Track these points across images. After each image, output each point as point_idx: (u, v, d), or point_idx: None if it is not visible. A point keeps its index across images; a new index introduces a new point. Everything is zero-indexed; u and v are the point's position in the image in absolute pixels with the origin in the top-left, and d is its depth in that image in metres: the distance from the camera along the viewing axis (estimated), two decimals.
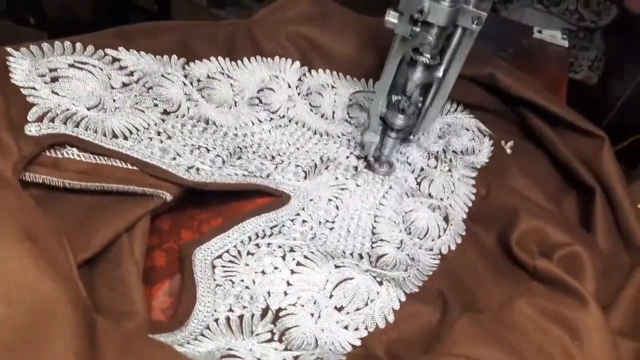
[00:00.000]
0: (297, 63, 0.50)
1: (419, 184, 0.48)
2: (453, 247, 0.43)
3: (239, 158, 0.43)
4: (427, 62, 0.38)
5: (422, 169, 0.48)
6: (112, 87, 0.40)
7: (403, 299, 0.37)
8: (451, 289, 0.38)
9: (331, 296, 0.35)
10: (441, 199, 0.46)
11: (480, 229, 0.44)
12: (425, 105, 0.43)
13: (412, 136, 0.47)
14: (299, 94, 0.49)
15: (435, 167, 0.49)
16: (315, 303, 0.35)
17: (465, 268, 0.41)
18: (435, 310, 0.36)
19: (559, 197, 0.47)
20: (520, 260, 0.39)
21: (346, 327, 0.34)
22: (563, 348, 0.32)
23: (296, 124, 0.48)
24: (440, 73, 0.40)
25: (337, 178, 0.45)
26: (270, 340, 0.32)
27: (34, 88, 0.35)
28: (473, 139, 0.51)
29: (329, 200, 0.43)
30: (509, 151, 0.52)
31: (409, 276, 0.39)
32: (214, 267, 0.35)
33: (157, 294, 0.34)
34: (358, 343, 0.34)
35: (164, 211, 0.37)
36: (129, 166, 0.36)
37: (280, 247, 0.37)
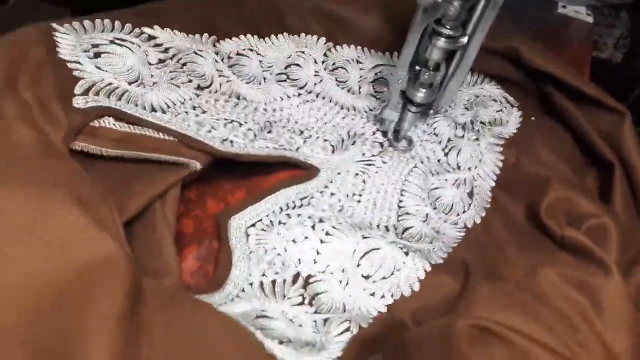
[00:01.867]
0: (323, 39, 0.51)
1: (446, 154, 0.48)
2: (478, 221, 0.44)
3: (270, 132, 0.44)
4: (450, 33, 0.38)
5: (449, 140, 0.49)
6: (150, 63, 0.42)
7: (428, 268, 0.38)
8: (475, 260, 0.40)
9: (359, 265, 0.37)
10: (469, 169, 0.47)
11: (507, 197, 0.45)
12: (447, 78, 0.43)
13: (431, 111, 0.48)
14: (325, 69, 0.50)
15: (463, 137, 0.49)
16: (343, 271, 0.37)
17: (490, 240, 0.42)
18: (459, 279, 0.38)
19: (581, 172, 0.48)
20: (548, 229, 0.40)
21: (372, 294, 0.36)
22: (583, 314, 0.33)
23: (323, 98, 0.50)
24: (464, 39, 0.40)
25: (364, 154, 0.47)
26: (301, 303, 0.35)
27: (79, 62, 0.37)
28: (501, 109, 0.52)
29: (356, 174, 0.44)
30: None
31: (434, 248, 0.41)
32: (247, 235, 0.37)
33: (187, 258, 0.36)
34: (384, 310, 0.36)
35: (191, 182, 0.40)
36: (162, 136, 0.38)
37: (309, 217, 0.39)
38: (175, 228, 0.35)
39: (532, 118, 0.52)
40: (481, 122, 0.51)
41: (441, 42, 0.39)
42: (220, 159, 0.40)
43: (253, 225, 0.38)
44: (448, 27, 0.38)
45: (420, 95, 0.43)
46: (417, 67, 0.43)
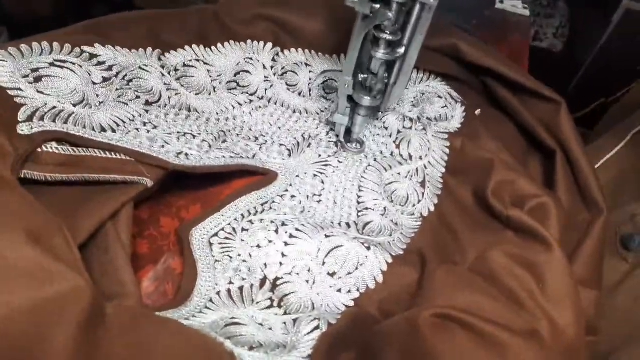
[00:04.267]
0: (270, 44, 0.52)
1: (398, 146, 0.50)
2: (432, 209, 0.46)
3: (224, 142, 0.45)
4: (389, 38, 0.40)
5: (399, 132, 0.51)
6: (94, 83, 0.42)
7: (390, 260, 0.40)
8: (431, 247, 0.42)
9: (324, 263, 0.39)
10: (420, 158, 0.50)
11: (457, 183, 0.48)
12: (391, 82, 0.45)
13: (380, 113, 0.49)
14: (274, 74, 0.51)
15: (410, 128, 0.52)
16: (309, 271, 0.38)
17: (444, 226, 0.45)
18: (418, 269, 0.39)
19: (525, 159, 0.51)
20: (494, 210, 0.42)
21: (339, 290, 0.38)
22: (529, 292, 0.35)
23: (275, 103, 0.51)
24: (402, 49, 0.41)
25: (319, 155, 0.48)
26: (270, 306, 0.36)
27: (19, 89, 0.37)
28: (445, 105, 0.54)
29: (314, 175, 0.46)
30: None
31: (393, 240, 0.42)
32: (211, 244, 0.38)
33: (142, 280, 0.37)
34: (351, 304, 0.37)
35: (143, 201, 0.40)
36: (109, 155, 0.38)
37: (272, 222, 0.40)
38: (130, 249, 0.35)
39: (478, 111, 0.54)
40: (427, 118, 0.53)
41: (380, 53, 0.41)
42: (173, 174, 0.40)
43: (216, 234, 0.39)
44: (388, 32, 0.39)
45: (366, 99, 0.45)
46: (361, 75, 0.44)
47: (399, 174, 0.49)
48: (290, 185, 0.44)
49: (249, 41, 0.51)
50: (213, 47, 0.50)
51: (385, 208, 0.45)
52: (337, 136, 0.49)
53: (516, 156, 0.48)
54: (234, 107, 0.49)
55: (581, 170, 0.46)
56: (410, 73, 0.43)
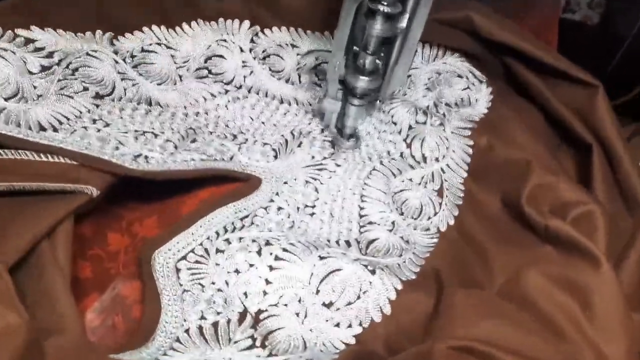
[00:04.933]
0: (247, 23, 0.51)
1: (409, 145, 0.50)
2: (452, 222, 0.46)
3: (194, 141, 0.45)
4: (387, 11, 0.39)
5: (410, 127, 0.51)
6: (31, 72, 0.42)
7: (399, 287, 0.40)
8: (450, 268, 0.41)
9: (318, 292, 0.38)
10: (436, 159, 0.49)
11: (482, 188, 0.47)
12: (391, 62, 0.44)
13: (379, 102, 0.49)
14: (254, 58, 0.51)
15: (425, 123, 0.51)
16: (300, 301, 0.38)
17: (466, 241, 0.44)
18: (433, 294, 0.39)
19: (556, 154, 0.51)
20: (530, 221, 0.42)
21: (337, 325, 0.37)
22: (572, 319, 0.35)
23: (257, 93, 0.50)
24: (403, 23, 0.41)
25: (313, 157, 0.48)
26: (252, 346, 0.35)
27: None
28: (467, 87, 0.53)
29: (306, 182, 0.46)
30: None
31: (404, 261, 0.42)
32: (178, 270, 0.37)
33: (85, 312, 0.36)
34: (352, 341, 0.37)
35: (85, 214, 0.39)
36: (49, 158, 0.38)
37: (254, 241, 0.40)
38: (70, 273, 0.35)
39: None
40: (446, 105, 0.52)
41: (376, 29, 0.40)
42: (123, 180, 0.40)
43: (184, 257, 0.38)
44: (385, 3, 0.39)
45: (361, 83, 0.44)
46: (356, 48, 0.44)
47: (410, 180, 0.48)
48: (277, 194, 0.44)
49: (220, 20, 0.51)
50: (177, 28, 0.50)
51: (393, 222, 0.45)
52: (338, 131, 0.49)
53: (550, 150, 0.48)
54: (205, 99, 0.48)
55: (622, 168, 0.46)
56: (413, 52, 0.43)
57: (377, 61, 0.44)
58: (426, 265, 0.42)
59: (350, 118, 0.47)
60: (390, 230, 0.44)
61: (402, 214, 0.46)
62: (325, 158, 0.48)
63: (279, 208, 0.43)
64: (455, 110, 0.52)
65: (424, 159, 0.50)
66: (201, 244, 0.39)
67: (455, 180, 0.49)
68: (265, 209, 0.43)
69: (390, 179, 0.48)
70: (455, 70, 0.55)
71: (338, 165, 0.48)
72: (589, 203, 0.42)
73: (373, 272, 0.40)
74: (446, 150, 0.50)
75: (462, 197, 0.48)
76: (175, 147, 0.43)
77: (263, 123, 0.49)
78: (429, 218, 0.46)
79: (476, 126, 0.52)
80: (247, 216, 0.42)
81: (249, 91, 0.50)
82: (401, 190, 0.48)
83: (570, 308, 0.35)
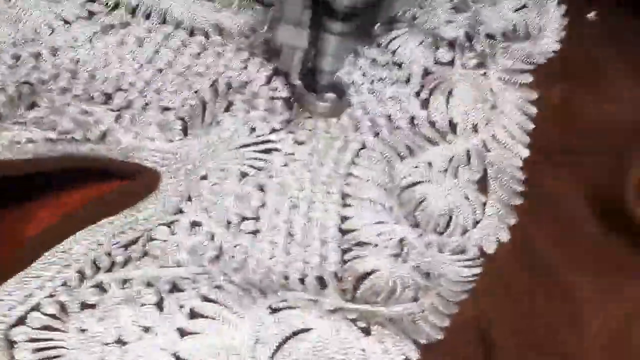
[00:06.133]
0: None
1: (425, 104, 0.50)
2: (506, 237, 0.45)
3: (33, 106, 0.44)
4: None
5: (426, 72, 0.51)
6: None
7: (415, 357, 0.38)
8: (503, 315, 0.42)
9: None
10: (473, 129, 0.49)
11: (555, 177, 0.48)
12: None
13: (375, 27, 0.49)
14: None
15: (452, 64, 0.51)
16: None
17: (529, 267, 0.44)
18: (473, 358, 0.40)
19: None
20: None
21: None
22: None
23: (147, 18, 0.51)
24: None
25: (253, 129, 0.47)
26: None
27: None
28: (524, 5, 0.55)
29: (243, 174, 0.44)
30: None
31: (422, 311, 0.41)
32: (12, 343, 0.35)
33: None
34: None
35: None
36: None
37: (149, 284, 0.38)
38: None
39: (592, 14, 0.55)
40: (488, 35, 0.53)
41: None
42: None
43: (22, 321, 0.36)
44: None
45: None
46: None
47: (429, 164, 0.47)
48: (189, 199, 0.42)
49: None
50: None
51: (401, 241, 0.43)
52: (286, 76, 0.48)
53: None
54: (53, 30, 0.48)
55: None
56: None
57: None
58: (463, 315, 0.41)
59: (328, 57, 0.47)
60: (397, 256, 0.43)
61: (416, 225, 0.45)
62: (275, 131, 0.46)
63: (194, 224, 0.41)
64: (505, 45, 0.52)
65: (453, 127, 0.49)
66: (51, 296, 0.37)
67: (508, 164, 0.48)
68: (169, 225, 0.41)
69: (393, 163, 0.47)
70: None
71: (300, 144, 0.47)
72: None
73: (367, 331, 0.38)
74: (490, 111, 0.49)
75: (521, 193, 0.47)
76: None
77: (160, 71, 0.48)
78: (465, 232, 0.45)
79: (542, 71, 0.52)
80: (135, 241, 0.40)
81: (135, 14, 0.50)
82: (414, 184, 0.46)
83: None
